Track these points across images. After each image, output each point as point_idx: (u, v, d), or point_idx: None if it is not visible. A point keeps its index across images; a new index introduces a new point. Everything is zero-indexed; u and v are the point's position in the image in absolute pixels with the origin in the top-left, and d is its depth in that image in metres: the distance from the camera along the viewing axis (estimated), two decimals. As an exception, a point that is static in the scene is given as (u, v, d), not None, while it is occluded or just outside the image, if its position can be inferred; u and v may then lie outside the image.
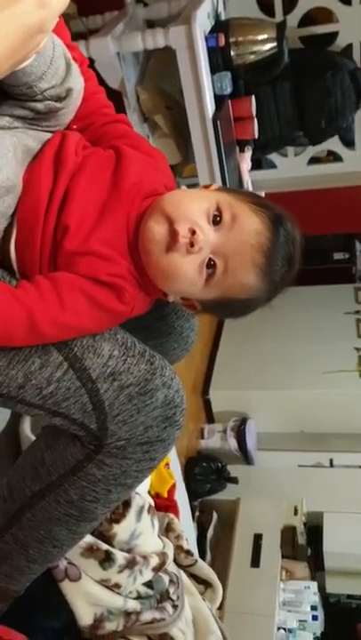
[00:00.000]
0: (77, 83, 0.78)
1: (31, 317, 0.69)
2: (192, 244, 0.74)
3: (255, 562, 2.70)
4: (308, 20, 2.19)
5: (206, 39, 1.82)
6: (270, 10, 2.15)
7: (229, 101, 1.99)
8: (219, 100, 1.93)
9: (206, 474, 3.05)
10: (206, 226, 0.76)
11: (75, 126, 0.85)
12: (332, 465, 3.17)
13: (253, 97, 2.04)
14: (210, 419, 3.42)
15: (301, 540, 2.82)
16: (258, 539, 2.80)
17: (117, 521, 1.11)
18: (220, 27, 1.92)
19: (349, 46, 2.19)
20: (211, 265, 0.77)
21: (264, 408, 3.30)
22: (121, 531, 1.11)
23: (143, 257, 0.77)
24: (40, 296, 0.70)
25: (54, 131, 0.79)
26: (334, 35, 2.19)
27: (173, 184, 0.86)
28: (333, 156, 2.51)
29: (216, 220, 0.77)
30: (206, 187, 0.84)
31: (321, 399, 3.21)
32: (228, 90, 1.92)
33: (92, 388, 0.78)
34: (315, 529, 2.87)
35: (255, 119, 2.07)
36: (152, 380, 0.81)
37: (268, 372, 3.29)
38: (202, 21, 1.78)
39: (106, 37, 1.82)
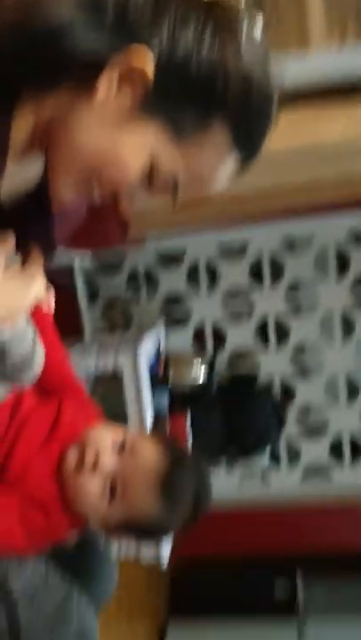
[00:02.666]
0: (39, 365, 0.98)
1: None
2: (95, 464, 0.90)
3: None
4: (234, 357, 2.62)
5: (151, 367, 2.16)
6: (203, 348, 2.57)
7: (168, 417, 2.25)
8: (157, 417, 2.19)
9: None
10: (110, 452, 0.92)
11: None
12: None
13: (189, 412, 2.31)
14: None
15: None
16: None
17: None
18: (160, 357, 2.28)
19: (270, 383, 2.60)
20: (113, 489, 0.90)
21: None
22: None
23: (63, 479, 0.92)
24: None
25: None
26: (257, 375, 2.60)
27: None
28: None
29: (121, 450, 0.93)
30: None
31: None
32: (165, 411, 2.20)
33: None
34: None
35: (190, 435, 2.31)
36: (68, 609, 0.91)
37: None
38: (146, 352, 2.13)
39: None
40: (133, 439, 0.95)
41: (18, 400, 0.98)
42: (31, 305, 0.75)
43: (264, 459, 2.61)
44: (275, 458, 2.59)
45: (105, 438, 0.94)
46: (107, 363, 2.11)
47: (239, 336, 2.58)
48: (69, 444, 0.95)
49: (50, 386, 1.08)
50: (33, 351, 0.94)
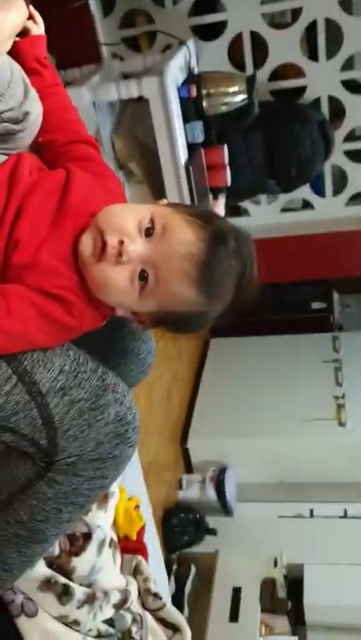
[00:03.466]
0: (35, 107, 0.81)
1: None
2: (120, 254, 0.75)
3: (234, 616, 2.60)
4: (277, 75, 2.30)
5: (178, 90, 1.90)
6: (241, 65, 2.25)
7: (202, 150, 2.05)
8: (191, 148, 1.99)
9: (184, 525, 2.98)
10: (137, 237, 0.77)
11: (40, 139, 0.88)
12: (312, 515, 3.11)
13: (226, 146, 2.11)
14: (188, 469, 3.36)
15: (282, 593, 2.73)
16: (237, 592, 2.71)
17: (77, 554, 1.08)
18: (192, 79, 2.01)
19: (318, 100, 2.30)
20: (143, 276, 0.78)
21: (243, 457, 3.25)
22: (80, 564, 1.07)
23: (81, 269, 0.78)
24: None
25: (11, 154, 0.82)
26: (303, 89, 2.29)
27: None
28: (305, 204, 2.59)
29: (149, 232, 0.78)
30: (156, 202, 0.87)
31: (300, 448, 3.18)
32: (200, 138, 1.98)
33: (41, 403, 0.77)
34: (295, 581, 2.78)
35: (228, 167, 2.13)
36: (104, 395, 0.80)
37: (248, 421, 3.26)
38: (174, 73, 1.86)
39: (81, 87, 1.89)
40: (164, 219, 0.78)
41: (15, 171, 0.80)
42: (11, 32, 0.57)
43: (307, 191, 2.45)
44: (318, 190, 2.42)
45: (128, 220, 0.77)
46: (130, 88, 1.87)
47: (282, 46, 2.22)
48: (84, 228, 0.79)
49: (54, 149, 0.90)
50: (23, 100, 0.77)
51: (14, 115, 0.78)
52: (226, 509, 3.13)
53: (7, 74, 0.74)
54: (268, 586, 2.74)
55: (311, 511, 3.12)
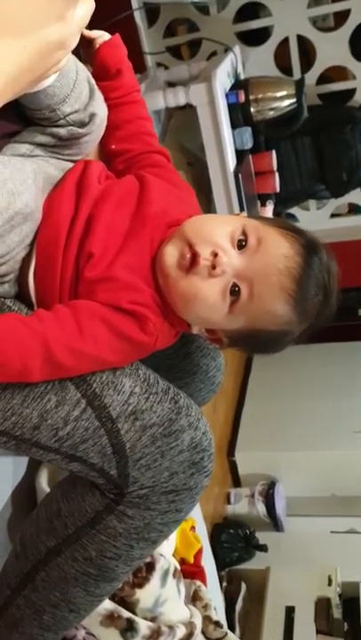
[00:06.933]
0: (101, 109, 0.76)
1: (46, 345, 0.64)
2: (214, 267, 0.70)
3: (288, 638, 2.51)
4: (324, 78, 2.23)
5: (226, 96, 1.85)
6: (287, 70, 2.19)
7: (250, 156, 2.00)
8: (240, 154, 1.94)
9: (234, 541, 2.90)
10: (230, 249, 0.71)
11: (113, 146, 0.84)
12: (366, 531, 3.00)
13: (274, 152, 2.05)
14: (236, 482, 3.28)
15: (337, 613, 2.62)
16: (290, 611, 2.62)
17: (140, 585, 1.02)
18: (239, 84, 1.96)
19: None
20: (235, 291, 0.72)
21: (293, 470, 3.16)
22: (144, 596, 1.02)
23: (161, 282, 0.73)
24: (57, 323, 0.66)
25: (76, 160, 0.78)
26: (352, 91, 2.22)
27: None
28: (354, 210, 2.51)
29: (241, 245, 0.72)
30: (235, 215, 0.81)
31: (353, 460, 3.07)
32: (249, 144, 1.93)
33: (111, 429, 0.72)
34: (351, 601, 2.67)
35: (276, 173, 2.08)
36: (177, 419, 0.74)
37: (297, 432, 3.17)
38: (222, 79, 1.81)
39: (127, 97, 1.86)
40: (257, 231, 0.72)
41: (83, 179, 0.74)
42: (80, 25, 0.53)
43: (357, 195, 2.36)
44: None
45: (220, 231, 0.72)
46: (177, 95, 1.83)
47: (330, 49, 2.14)
48: (162, 240, 0.74)
49: (127, 159, 0.86)
50: (89, 102, 0.72)
51: (80, 117, 0.73)
52: (276, 524, 3.04)
53: (72, 73, 0.69)
54: (322, 605, 2.64)
55: (365, 526, 3.00)
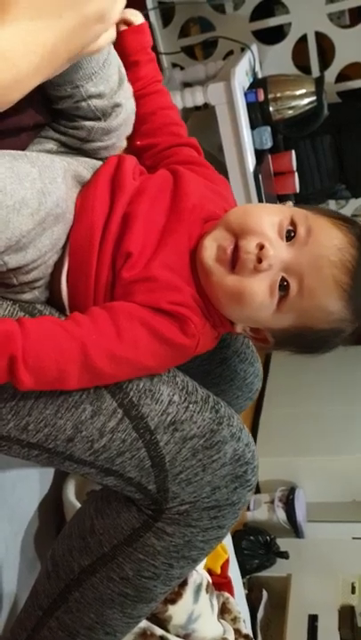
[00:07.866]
0: (128, 101, 0.72)
1: (84, 350, 0.60)
2: (260, 261, 0.65)
3: (313, 647, 2.46)
4: (342, 76, 2.19)
5: (245, 95, 1.81)
6: (306, 68, 2.15)
7: (269, 156, 1.96)
8: (259, 154, 1.90)
9: (254, 548, 2.85)
10: (277, 240, 0.66)
11: (138, 143, 0.80)
12: (389, 537, 2.94)
13: (293, 151, 2.01)
14: (255, 488, 3.23)
15: (361, 621, 2.57)
16: (313, 620, 2.56)
17: (173, 601, 0.98)
18: (258, 83, 1.92)
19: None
20: (283, 286, 0.67)
21: (313, 475, 3.10)
22: (177, 613, 0.98)
23: (203, 279, 0.68)
24: (94, 327, 0.62)
25: (104, 157, 0.74)
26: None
27: None
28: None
29: (290, 236, 0.67)
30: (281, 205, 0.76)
31: (374, 465, 3.02)
32: (269, 144, 1.89)
33: (150, 440, 0.67)
34: (374, 609, 2.62)
35: (296, 173, 2.03)
36: (219, 430, 0.70)
37: (317, 437, 3.11)
38: (240, 78, 1.77)
39: (144, 97, 1.83)
40: (307, 220, 0.67)
41: (117, 176, 0.70)
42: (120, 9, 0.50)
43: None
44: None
45: (266, 221, 0.66)
46: (195, 95, 1.79)
47: (349, 46, 2.08)
48: (199, 235, 0.69)
49: (154, 154, 0.82)
50: (117, 89, 0.69)
51: (103, 104, 0.68)
52: (296, 531, 2.98)
53: (104, 54, 0.65)
54: (346, 613, 2.58)
55: (388, 532, 2.94)
